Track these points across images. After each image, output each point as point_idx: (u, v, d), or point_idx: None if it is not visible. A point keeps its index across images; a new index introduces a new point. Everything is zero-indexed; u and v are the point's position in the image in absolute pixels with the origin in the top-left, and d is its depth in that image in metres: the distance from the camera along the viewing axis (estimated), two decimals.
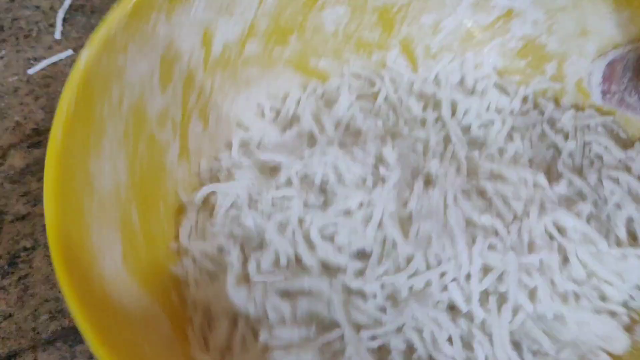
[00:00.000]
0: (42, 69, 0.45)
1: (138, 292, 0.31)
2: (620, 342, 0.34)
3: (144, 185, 0.35)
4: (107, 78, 0.31)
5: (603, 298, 0.36)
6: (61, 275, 0.27)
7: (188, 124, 0.37)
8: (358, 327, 0.34)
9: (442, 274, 0.35)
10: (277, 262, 0.36)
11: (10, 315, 0.40)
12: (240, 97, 0.40)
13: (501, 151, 0.41)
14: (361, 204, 0.37)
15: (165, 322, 0.32)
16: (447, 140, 0.41)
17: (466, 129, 0.43)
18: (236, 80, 0.39)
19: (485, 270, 0.35)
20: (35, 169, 0.43)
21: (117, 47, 0.31)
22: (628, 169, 0.40)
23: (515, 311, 0.34)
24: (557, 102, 0.44)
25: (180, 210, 0.38)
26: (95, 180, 0.30)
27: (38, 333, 0.40)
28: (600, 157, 0.41)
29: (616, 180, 0.39)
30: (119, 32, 0.31)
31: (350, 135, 0.41)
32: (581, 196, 0.38)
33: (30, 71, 0.45)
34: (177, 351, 0.31)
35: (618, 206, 0.38)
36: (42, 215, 0.42)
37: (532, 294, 0.35)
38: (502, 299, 0.35)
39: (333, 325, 0.34)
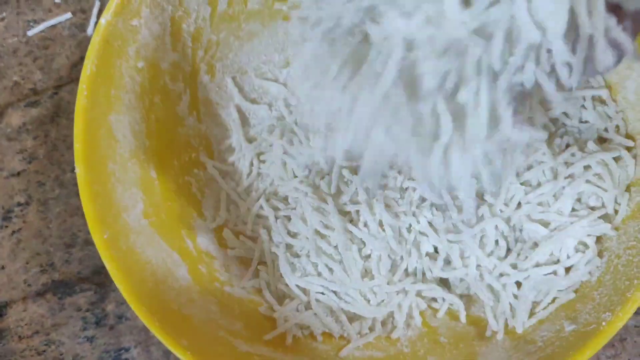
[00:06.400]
0: (41, 31, 0.46)
1: (159, 243, 0.34)
2: None
3: (160, 135, 0.37)
4: (123, 39, 0.33)
5: None
6: (93, 226, 0.29)
7: (197, 76, 0.40)
8: None
9: None
10: None
11: (2, 268, 0.42)
12: (243, 50, 0.42)
13: None
14: None
15: (183, 267, 0.35)
16: None
17: None
18: (239, 35, 0.41)
19: None
20: (32, 128, 0.44)
21: (131, 11, 0.33)
22: None
23: None
24: None
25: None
26: (117, 131, 0.33)
27: (29, 285, 0.42)
28: None
29: None
30: None
31: None
32: None
33: (30, 33, 0.46)
34: (194, 292, 0.33)
35: None
36: (36, 172, 0.44)
37: None
38: None
39: None
